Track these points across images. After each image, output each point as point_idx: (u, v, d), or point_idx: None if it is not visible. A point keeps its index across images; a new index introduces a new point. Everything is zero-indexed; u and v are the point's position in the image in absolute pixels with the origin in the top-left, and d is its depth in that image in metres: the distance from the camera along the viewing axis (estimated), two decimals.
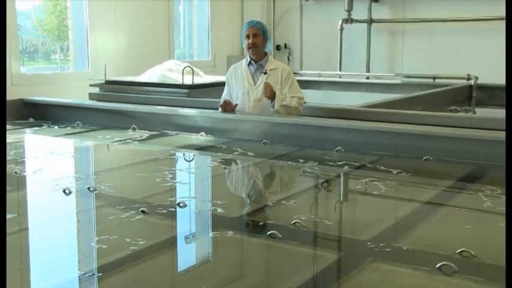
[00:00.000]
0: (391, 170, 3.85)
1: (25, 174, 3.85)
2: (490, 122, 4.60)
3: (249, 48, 4.70)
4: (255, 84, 4.74)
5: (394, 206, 3.46)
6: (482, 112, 7.10)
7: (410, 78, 8.46)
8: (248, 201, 3.50)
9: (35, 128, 5.54)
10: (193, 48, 10.22)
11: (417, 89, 7.15)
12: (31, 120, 5.83)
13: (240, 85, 4.81)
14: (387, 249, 2.51)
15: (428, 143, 4.13)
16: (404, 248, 2.57)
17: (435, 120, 4.66)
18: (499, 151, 3.91)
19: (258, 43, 4.68)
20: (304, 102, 4.90)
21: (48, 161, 4.37)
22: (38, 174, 3.84)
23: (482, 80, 7.67)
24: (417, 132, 4.25)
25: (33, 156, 4.52)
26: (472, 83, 7.64)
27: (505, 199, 3.23)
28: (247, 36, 4.68)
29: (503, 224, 2.89)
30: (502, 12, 8.58)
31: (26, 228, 2.91)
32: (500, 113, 6.97)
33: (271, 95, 4.58)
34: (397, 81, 8.29)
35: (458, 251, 2.42)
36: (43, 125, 5.67)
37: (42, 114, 5.93)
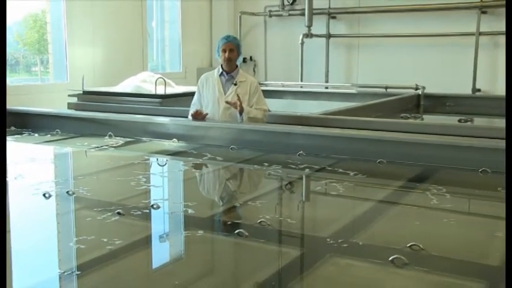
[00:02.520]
0: (348, 172, 3.89)
1: (7, 179, 3.77)
2: (436, 128, 4.69)
3: (224, 61, 4.71)
4: (224, 94, 4.74)
5: (351, 205, 3.50)
6: (429, 119, 7.23)
7: (364, 88, 8.56)
8: (217, 203, 3.49)
9: (16, 136, 5.43)
10: (166, 60, 10.16)
11: (371, 98, 7.23)
12: (12, 128, 5.71)
13: (211, 94, 4.80)
14: (345, 245, 2.53)
15: (382, 147, 4.19)
16: (360, 243, 2.60)
17: (387, 126, 4.72)
18: (444, 154, 4.00)
19: (233, 57, 4.70)
20: (269, 111, 4.93)
21: (28, 167, 4.30)
22: (19, 180, 3.77)
23: (428, 90, 7.81)
24: (371, 137, 4.30)
25: (15, 163, 4.43)
26: (420, 93, 7.77)
27: (450, 197, 3.29)
28: (224, 51, 4.68)
29: (448, 220, 2.95)
30: (445, 29, 8.80)
31: (8, 231, 2.85)
32: (446, 119, 7.14)
33: (241, 109, 4.61)
34: (353, 90, 8.37)
35: (408, 245, 2.46)
36: (24, 133, 5.57)
37: (23, 122, 5.82)
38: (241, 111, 4.63)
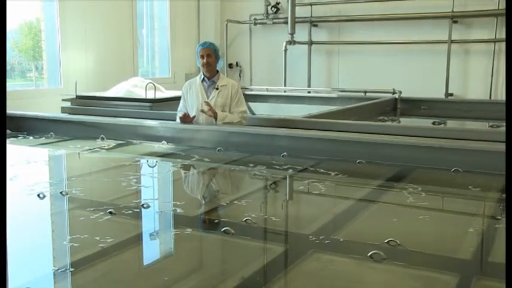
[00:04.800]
0: (330, 172, 3.90)
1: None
2: (412, 130, 4.72)
3: (203, 66, 4.70)
4: (207, 98, 4.73)
5: (332, 204, 3.51)
6: (405, 121, 7.27)
7: (344, 92, 8.60)
8: (204, 202, 3.48)
9: (12, 139, 5.38)
10: (155, 66, 10.12)
11: (351, 102, 7.26)
12: (8, 131, 5.64)
13: (195, 99, 4.78)
14: (326, 241, 2.54)
15: (361, 148, 4.20)
16: (341, 239, 2.61)
17: (366, 129, 4.74)
18: (419, 155, 4.03)
19: (211, 62, 4.68)
20: (254, 114, 4.92)
21: (24, 168, 4.25)
22: (14, 181, 3.73)
23: (405, 94, 7.86)
24: (351, 139, 4.31)
25: (10, 164, 4.37)
26: (397, 97, 7.81)
27: (425, 195, 3.32)
28: (202, 56, 4.67)
29: (423, 217, 2.97)
30: (420, 37, 8.88)
31: None
32: (421, 122, 7.19)
33: (214, 115, 4.61)
34: (334, 95, 8.39)
35: (386, 241, 2.47)
36: (19, 136, 5.51)
37: (18, 126, 5.76)
38: (215, 117, 4.63)
